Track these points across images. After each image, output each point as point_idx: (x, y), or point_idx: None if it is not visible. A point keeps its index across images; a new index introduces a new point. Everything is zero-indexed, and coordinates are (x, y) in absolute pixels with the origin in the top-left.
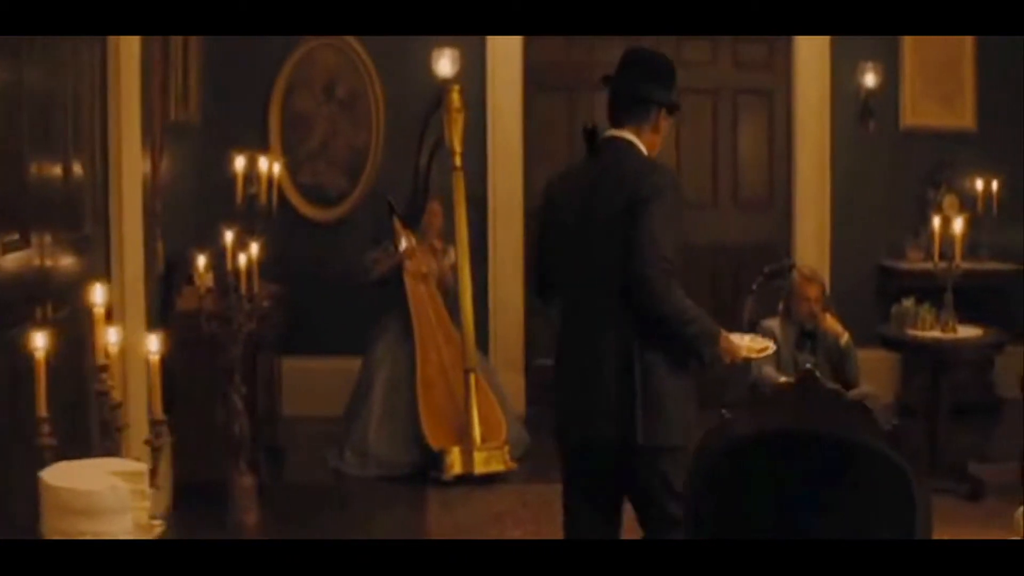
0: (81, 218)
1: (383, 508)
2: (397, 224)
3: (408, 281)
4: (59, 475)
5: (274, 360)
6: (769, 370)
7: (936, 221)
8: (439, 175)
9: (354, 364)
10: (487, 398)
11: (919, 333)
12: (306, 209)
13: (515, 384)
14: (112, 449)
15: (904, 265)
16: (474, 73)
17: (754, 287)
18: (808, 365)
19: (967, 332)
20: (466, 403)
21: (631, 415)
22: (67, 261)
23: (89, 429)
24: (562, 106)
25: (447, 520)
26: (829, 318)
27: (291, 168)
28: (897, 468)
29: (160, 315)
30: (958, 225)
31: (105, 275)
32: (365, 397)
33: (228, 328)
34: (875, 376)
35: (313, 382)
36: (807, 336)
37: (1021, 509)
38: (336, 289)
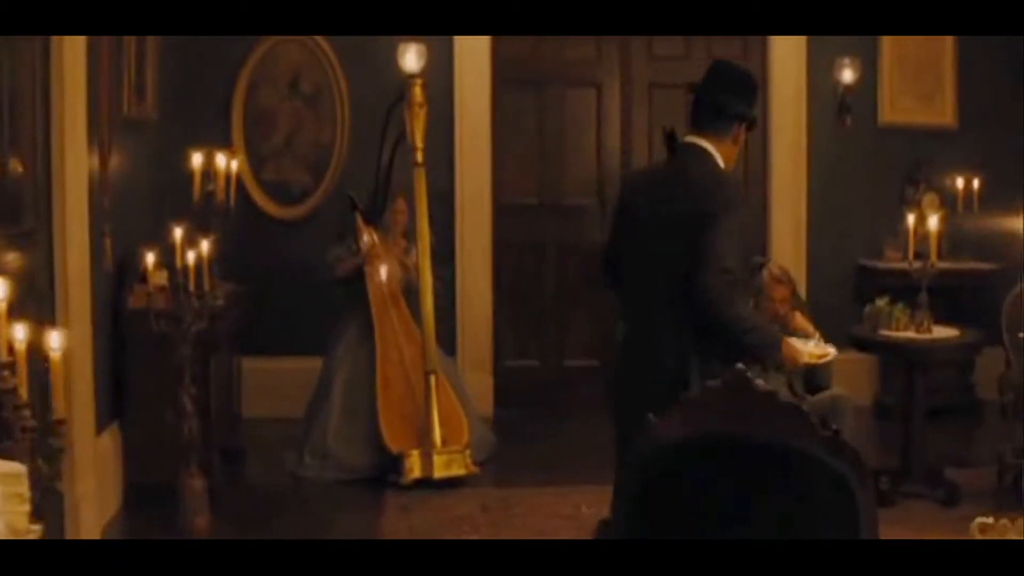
0: (19, 214)
1: (339, 512)
2: (359, 221)
3: (369, 280)
4: None
5: (232, 360)
6: None
7: (910, 219)
8: (401, 171)
9: (318, 364)
10: (449, 400)
11: (892, 334)
12: (270, 207)
13: (483, 385)
14: (15, 450)
15: (882, 264)
16: (441, 68)
17: None
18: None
19: (943, 333)
20: (426, 405)
21: None
22: (7, 257)
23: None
24: (531, 102)
25: (402, 525)
26: (799, 318)
27: (254, 165)
28: (837, 475)
29: (111, 314)
30: (933, 223)
31: (48, 272)
32: (324, 398)
33: (178, 327)
34: (853, 378)
35: (275, 383)
36: None
37: (977, 521)
38: (300, 288)
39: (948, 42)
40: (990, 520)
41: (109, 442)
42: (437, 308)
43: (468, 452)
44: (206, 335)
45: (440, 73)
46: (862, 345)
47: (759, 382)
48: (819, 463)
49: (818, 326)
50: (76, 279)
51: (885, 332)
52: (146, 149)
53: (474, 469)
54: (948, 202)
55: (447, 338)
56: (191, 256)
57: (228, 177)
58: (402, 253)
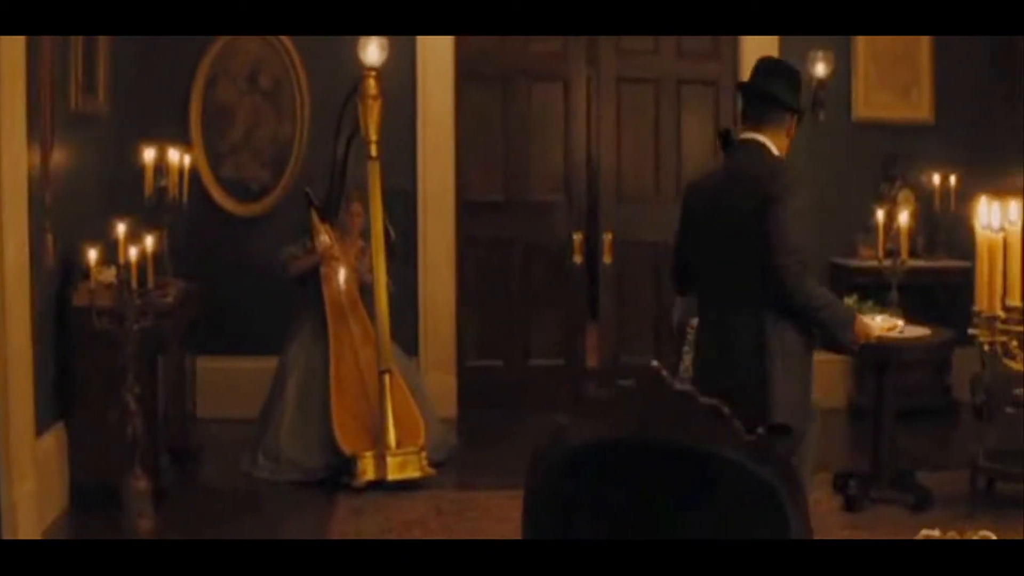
0: None
1: (290, 514)
2: (314, 218)
3: (325, 280)
4: None
5: (185, 359)
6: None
7: (880, 215)
8: (358, 166)
9: (276, 364)
10: (404, 400)
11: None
12: (228, 203)
13: (446, 386)
14: None
15: (856, 262)
16: (403, 62)
17: None
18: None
19: (914, 332)
20: (380, 405)
21: (764, 395)
22: None
23: None
24: (496, 97)
25: (352, 528)
26: None
27: (212, 161)
28: (763, 484)
29: (56, 312)
30: (904, 219)
31: None
32: (278, 399)
33: (120, 325)
34: (826, 379)
35: (232, 382)
36: None
37: (922, 533)
38: (259, 287)
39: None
40: (935, 533)
41: (53, 442)
42: (395, 307)
43: (424, 454)
44: (152, 333)
45: (402, 67)
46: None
47: (678, 382)
48: (744, 471)
49: None
50: (14, 276)
51: None
52: (96, 144)
53: (430, 471)
54: (924, 199)
55: (408, 338)
56: (134, 252)
57: (181, 172)
58: (359, 254)
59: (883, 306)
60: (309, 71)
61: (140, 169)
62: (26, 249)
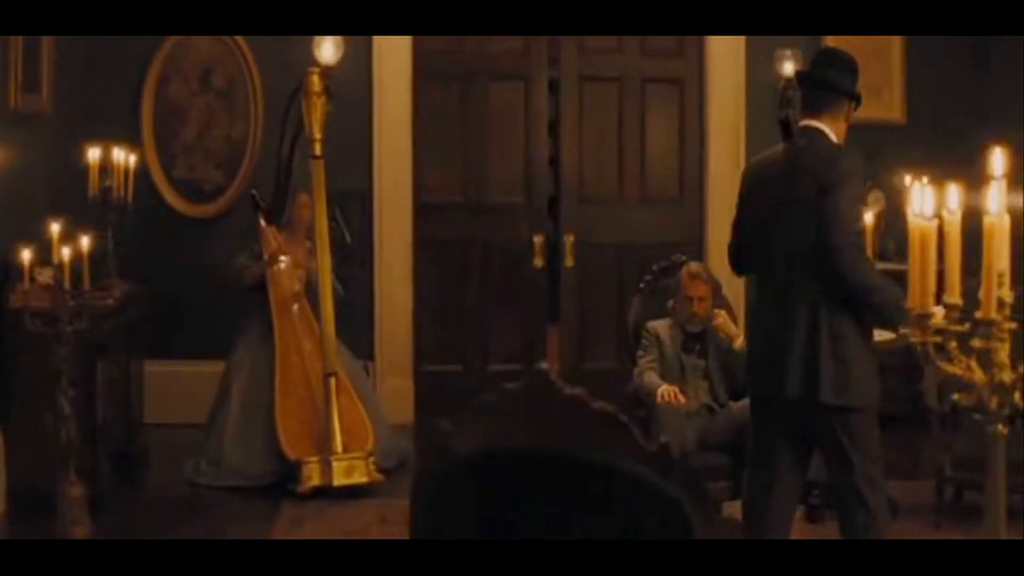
0: None
1: (231, 523)
2: (262, 222)
3: (271, 282)
4: None
5: (130, 363)
6: (651, 376)
7: (868, 217)
8: (306, 165)
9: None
10: (352, 404)
11: None
12: (180, 205)
13: (403, 391)
14: None
15: None
16: (360, 61)
17: (642, 285)
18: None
19: (882, 336)
20: (326, 409)
21: (816, 375)
22: None
23: None
24: (455, 96)
25: (292, 537)
26: (722, 318)
27: (164, 161)
28: (665, 499)
29: None
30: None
31: None
32: (223, 403)
33: (54, 327)
34: None
35: (183, 387)
36: (696, 339)
37: None
38: (211, 290)
39: None
40: None
41: None
42: (350, 310)
43: (372, 459)
44: (89, 336)
45: (358, 66)
46: None
47: (569, 386)
48: (644, 484)
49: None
50: None
51: None
52: (40, 143)
53: (378, 477)
54: (896, 200)
55: (364, 342)
56: (67, 253)
57: (126, 172)
58: (307, 253)
59: None
60: (263, 70)
61: (85, 169)
62: None
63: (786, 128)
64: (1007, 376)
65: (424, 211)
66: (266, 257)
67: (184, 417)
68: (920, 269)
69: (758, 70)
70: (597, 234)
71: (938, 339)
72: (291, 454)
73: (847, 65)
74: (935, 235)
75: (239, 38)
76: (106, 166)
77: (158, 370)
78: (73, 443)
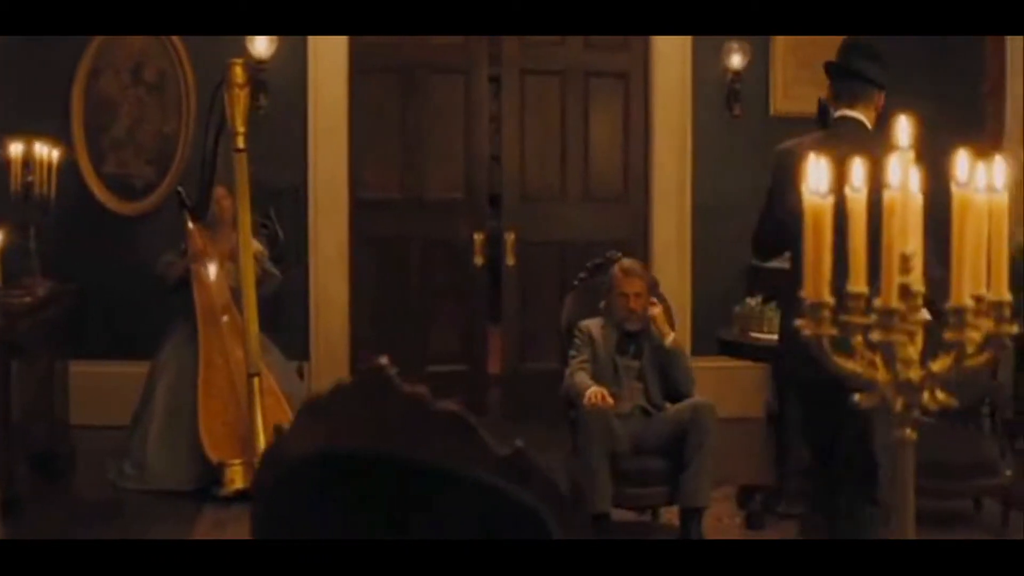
0: None
1: (152, 526)
2: (188, 219)
3: (195, 280)
4: None
5: (55, 363)
6: (581, 377)
7: None
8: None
9: None
10: (278, 405)
11: (762, 336)
12: (111, 201)
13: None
14: None
15: (776, 264)
16: (295, 53)
17: (575, 283)
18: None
19: None
20: (249, 411)
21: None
22: None
23: None
24: (393, 90)
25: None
26: (658, 311)
27: (94, 157)
28: (525, 511)
29: None
30: None
31: None
32: (148, 404)
33: None
34: (746, 386)
35: (112, 387)
36: (631, 338)
37: None
38: (141, 288)
39: None
40: None
41: None
42: (284, 308)
43: None
44: (5, 334)
45: (293, 59)
46: (728, 349)
47: (409, 384)
48: (496, 493)
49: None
50: None
51: (755, 334)
52: None
53: None
54: None
55: (299, 342)
56: None
57: (50, 168)
58: (233, 250)
59: None
60: (195, 64)
61: (6, 164)
62: None
63: (823, 115)
64: (914, 374)
65: (361, 207)
66: (190, 255)
67: (113, 418)
68: (814, 253)
69: (705, 64)
70: (539, 232)
71: (833, 332)
72: (214, 457)
73: (874, 51)
74: (830, 214)
75: None
76: (28, 161)
77: (85, 370)
78: None
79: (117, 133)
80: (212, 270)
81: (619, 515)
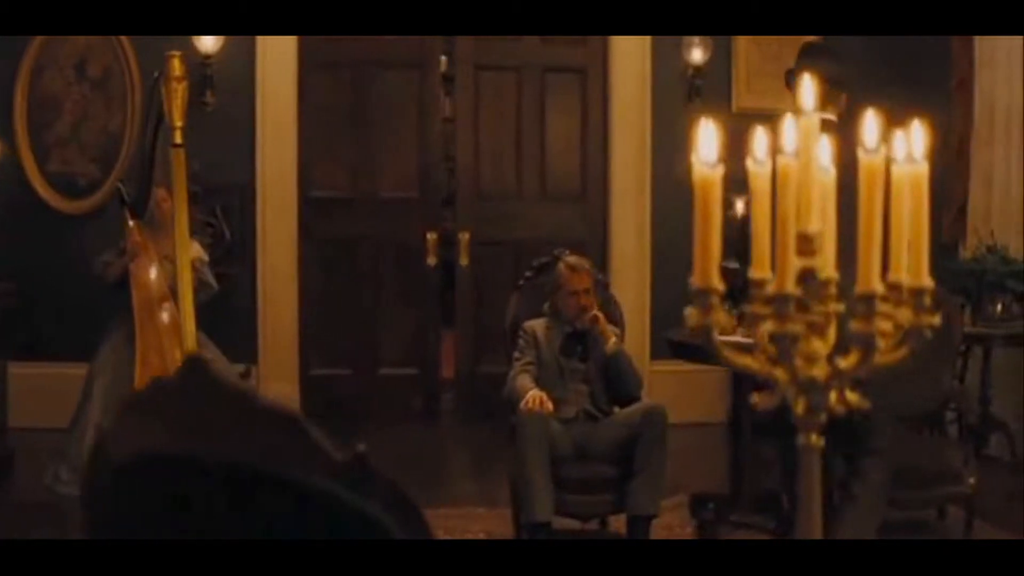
0: None
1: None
2: (127, 215)
3: (133, 280)
4: None
5: None
6: (523, 380)
7: (740, 206)
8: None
9: None
10: None
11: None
12: (54, 200)
13: (287, 396)
14: None
15: (735, 264)
16: (242, 49)
17: (520, 283)
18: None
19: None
20: None
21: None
22: None
23: None
24: (344, 86)
25: None
26: (599, 318)
27: (38, 155)
28: (365, 518)
29: None
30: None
31: None
32: (84, 407)
33: None
34: (707, 391)
35: (54, 389)
36: (577, 339)
37: None
38: (85, 288)
39: None
40: None
41: None
42: (230, 310)
43: None
44: None
45: (240, 54)
46: (677, 351)
47: (236, 380)
48: (334, 501)
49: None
50: None
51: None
52: None
53: None
54: None
55: (246, 344)
56: None
57: None
58: (173, 248)
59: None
60: (141, 59)
61: None
62: None
63: None
64: (819, 372)
65: (311, 206)
66: (128, 252)
67: (54, 420)
68: (702, 231)
69: (665, 58)
70: (495, 231)
71: (728, 321)
72: None
73: (833, 55)
74: (719, 187)
75: None
76: None
77: (27, 372)
78: None
79: (61, 130)
80: (150, 268)
81: (565, 524)
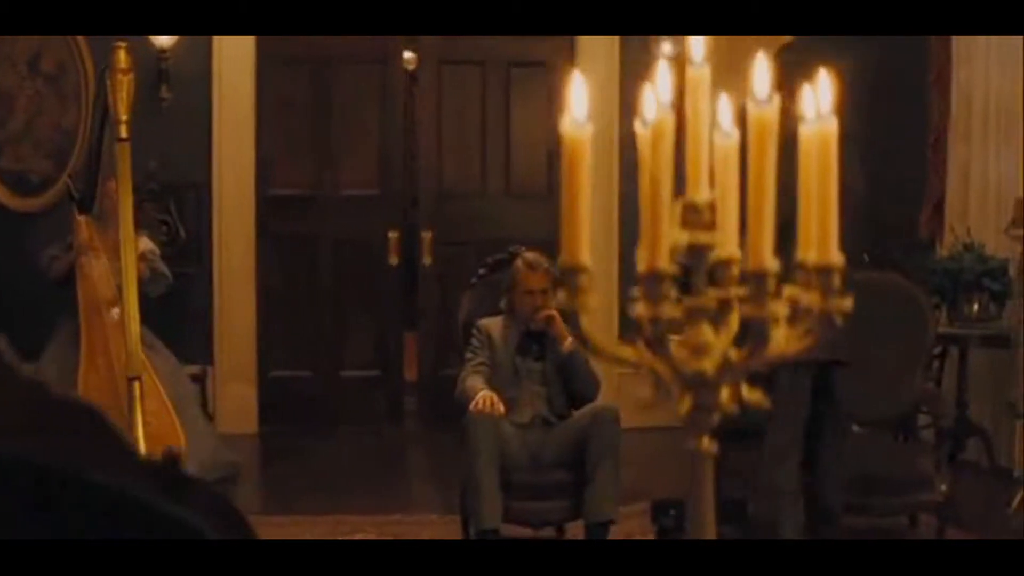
0: None
1: None
2: (75, 211)
3: (80, 277)
4: None
5: None
6: (474, 381)
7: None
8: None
9: None
10: (162, 411)
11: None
12: (7, 198)
13: (245, 399)
14: None
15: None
16: (198, 42)
17: (474, 280)
18: None
19: None
20: (129, 416)
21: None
22: None
23: None
24: (304, 80)
25: None
26: (555, 318)
27: None
28: (185, 529)
29: None
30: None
31: None
32: None
33: None
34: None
35: None
36: (534, 338)
37: None
38: (36, 286)
39: None
40: None
41: None
42: (185, 310)
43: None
44: None
45: (197, 49)
46: None
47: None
48: (151, 512)
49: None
50: None
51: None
52: None
53: None
54: None
55: (202, 345)
56: None
57: None
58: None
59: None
60: (95, 54)
61: None
62: None
63: None
64: (709, 365)
65: (269, 204)
66: (76, 247)
67: None
68: (569, 201)
69: (633, 52)
70: (458, 230)
71: (592, 303)
72: None
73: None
74: (588, 149)
75: None
76: None
77: None
78: None
79: (14, 127)
80: (98, 265)
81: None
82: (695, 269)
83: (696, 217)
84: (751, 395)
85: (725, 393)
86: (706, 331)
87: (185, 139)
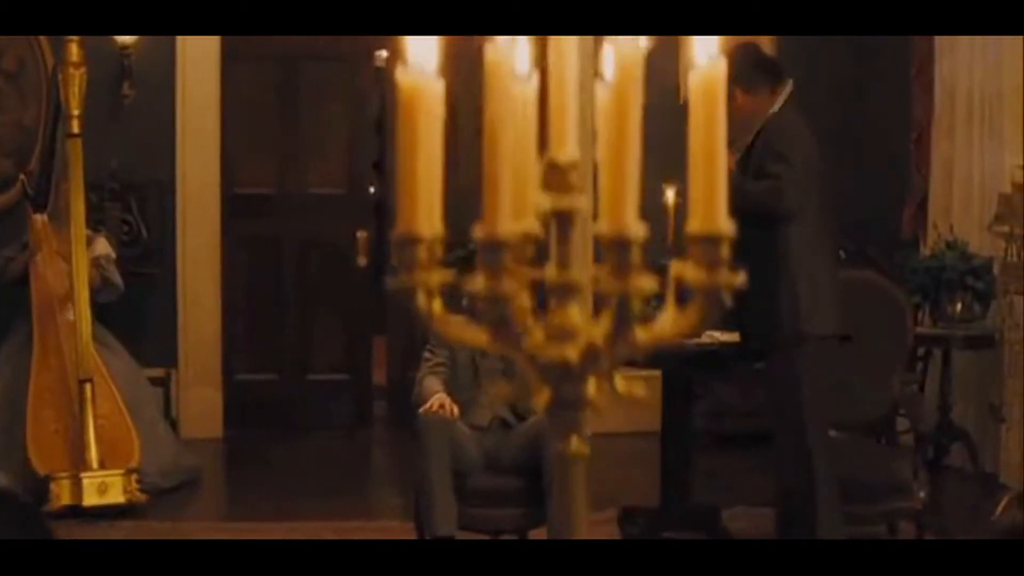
0: None
1: None
2: (30, 209)
3: (33, 277)
4: None
5: None
6: (430, 383)
7: (669, 195)
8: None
9: None
10: (115, 414)
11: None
12: None
13: (210, 402)
14: None
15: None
16: (162, 40)
17: None
18: None
19: (725, 337)
20: (80, 419)
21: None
22: None
23: None
24: (270, 78)
25: None
26: None
27: None
28: None
29: None
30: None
31: None
32: None
33: None
34: (645, 399)
35: None
36: None
37: None
38: None
39: None
40: None
41: None
42: (148, 311)
43: (135, 477)
44: None
45: (160, 44)
46: None
47: None
48: None
49: None
50: None
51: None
52: None
53: (140, 497)
54: None
55: (167, 347)
56: None
57: None
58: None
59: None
60: (56, 50)
61: None
62: None
63: None
64: (570, 352)
65: (234, 204)
66: (30, 247)
67: None
68: (407, 160)
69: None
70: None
71: (434, 280)
72: (41, 469)
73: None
74: (425, 102)
75: None
76: None
77: None
78: None
79: None
80: (52, 264)
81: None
82: (560, 239)
83: (559, 179)
84: (625, 388)
85: (592, 386)
86: (572, 313)
87: (148, 137)
